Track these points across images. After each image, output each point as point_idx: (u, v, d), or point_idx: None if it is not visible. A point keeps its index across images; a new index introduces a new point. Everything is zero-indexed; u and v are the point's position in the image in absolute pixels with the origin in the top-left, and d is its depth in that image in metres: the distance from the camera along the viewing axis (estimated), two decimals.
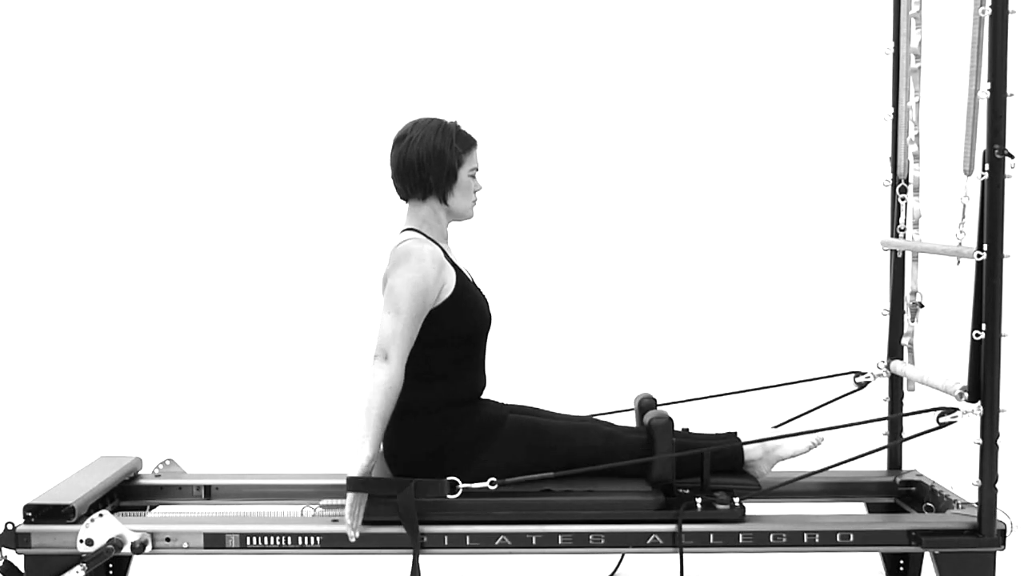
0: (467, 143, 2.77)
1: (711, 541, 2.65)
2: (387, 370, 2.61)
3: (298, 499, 3.07)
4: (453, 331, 2.70)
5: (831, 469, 2.83)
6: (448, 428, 2.69)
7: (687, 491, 2.72)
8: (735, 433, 2.91)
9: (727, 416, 3.54)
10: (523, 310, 5.41)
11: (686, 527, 2.65)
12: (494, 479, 2.64)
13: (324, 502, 2.83)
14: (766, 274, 5.44)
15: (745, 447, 2.87)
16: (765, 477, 2.92)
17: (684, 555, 2.63)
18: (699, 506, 2.66)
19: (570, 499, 2.68)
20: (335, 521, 2.71)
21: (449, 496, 2.62)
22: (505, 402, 2.91)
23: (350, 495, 2.59)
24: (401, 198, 2.81)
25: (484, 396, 2.84)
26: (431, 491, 2.62)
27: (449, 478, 2.63)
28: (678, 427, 2.90)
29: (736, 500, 2.67)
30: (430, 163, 2.72)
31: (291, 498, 3.10)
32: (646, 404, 3.07)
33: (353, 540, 2.62)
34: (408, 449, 2.70)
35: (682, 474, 2.77)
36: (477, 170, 2.80)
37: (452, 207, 2.78)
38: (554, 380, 5.13)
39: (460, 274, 2.75)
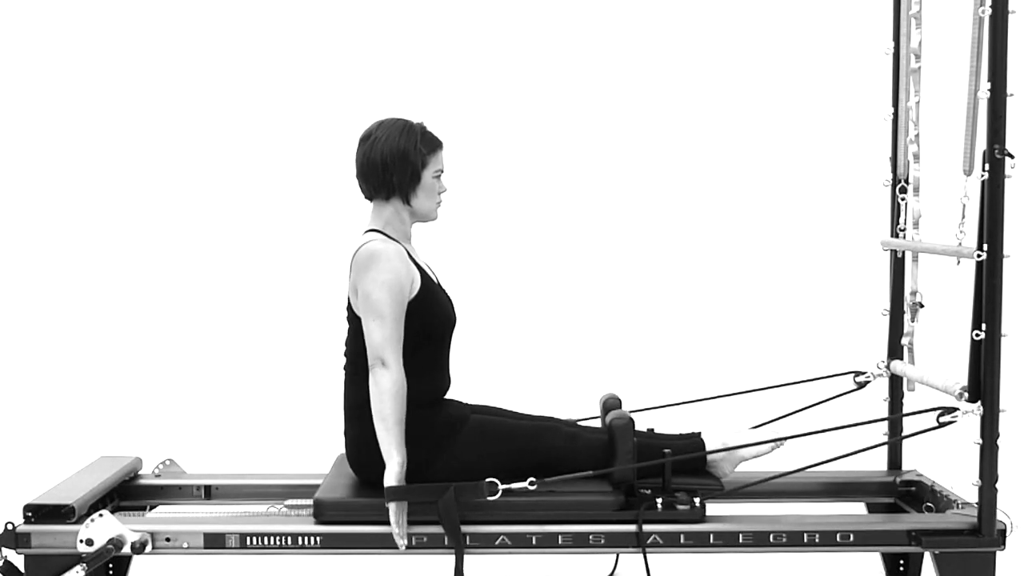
0: (432, 144, 2.78)
1: (711, 541, 2.65)
2: (389, 375, 2.61)
3: (297, 499, 3.06)
4: (417, 331, 2.71)
5: (821, 468, 2.83)
6: (411, 428, 2.69)
7: (648, 491, 2.72)
8: (699, 433, 2.91)
9: (725, 416, 3.54)
10: (518, 310, 5.41)
11: (687, 528, 2.65)
12: (533, 479, 2.64)
13: (289, 502, 2.86)
14: (766, 274, 5.44)
15: (707, 447, 2.87)
16: (728, 477, 2.92)
17: (681, 555, 2.64)
18: (660, 506, 2.66)
19: (531, 499, 2.67)
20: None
21: (489, 498, 2.62)
22: (477, 403, 2.94)
23: (392, 505, 2.59)
24: (366, 198, 2.82)
25: (449, 396, 2.85)
26: (470, 494, 2.62)
27: (487, 480, 2.63)
28: (664, 426, 2.91)
29: (697, 500, 2.67)
30: (394, 164, 2.72)
31: (290, 498, 3.09)
32: (610, 404, 3.08)
33: (403, 548, 2.62)
34: (371, 450, 2.70)
35: (645, 475, 2.77)
36: (442, 172, 2.81)
37: (416, 208, 2.79)
38: (554, 382, 5.13)
39: (424, 274, 2.77)
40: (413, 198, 2.77)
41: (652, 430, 2.95)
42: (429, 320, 2.72)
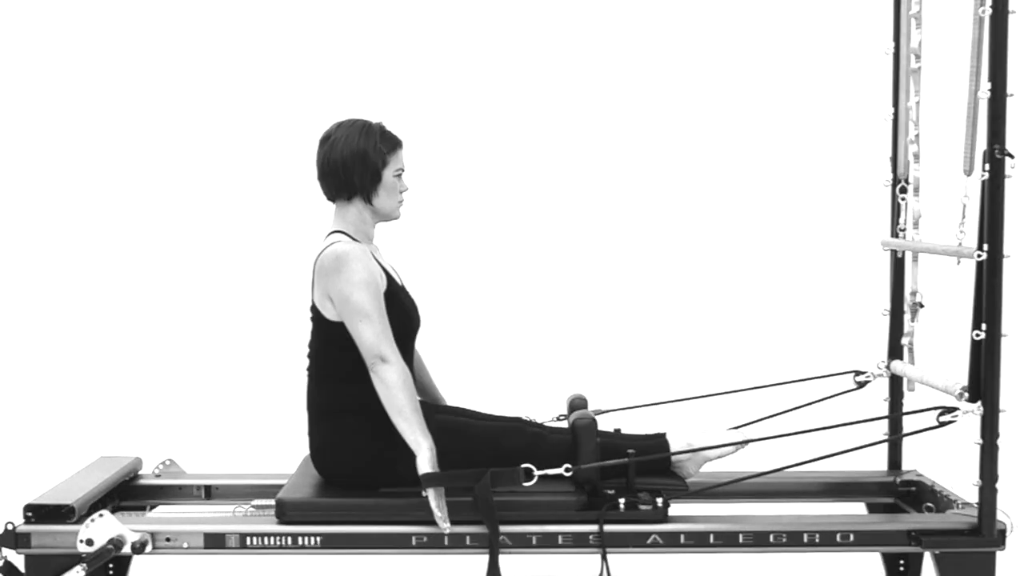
0: (392, 143, 2.82)
1: (711, 541, 2.66)
2: (392, 368, 2.65)
3: (263, 499, 3.06)
4: None
5: (822, 468, 2.83)
6: (374, 429, 2.71)
7: (612, 492, 2.72)
8: (664, 434, 2.91)
9: (724, 416, 3.54)
10: (519, 311, 5.41)
11: (691, 527, 2.66)
12: (569, 466, 2.66)
13: (256, 502, 2.88)
14: (765, 274, 5.44)
15: (672, 447, 2.87)
16: (693, 477, 2.92)
17: (678, 554, 2.65)
18: (622, 507, 2.66)
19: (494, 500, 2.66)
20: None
21: (525, 484, 2.64)
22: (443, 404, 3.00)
23: (430, 491, 2.60)
24: (328, 199, 2.85)
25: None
26: (506, 480, 2.63)
27: (524, 465, 2.65)
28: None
29: (659, 500, 2.67)
30: (354, 164, 2.76)
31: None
32: (576, 404, 3.09)
33: (447, 532, 2.62)
34: (335, 450, 2.75)
35: (609, 475, 2.76)
36: (403, 171, 2.85)
37: (378, 208, 2.82)
38: (551, 384, 5.13)
39: (388, 276, 2.81)
40: (375, 198, 2.80)
41: (619, 430, 2.95)
42: (392, 322, 2.73)
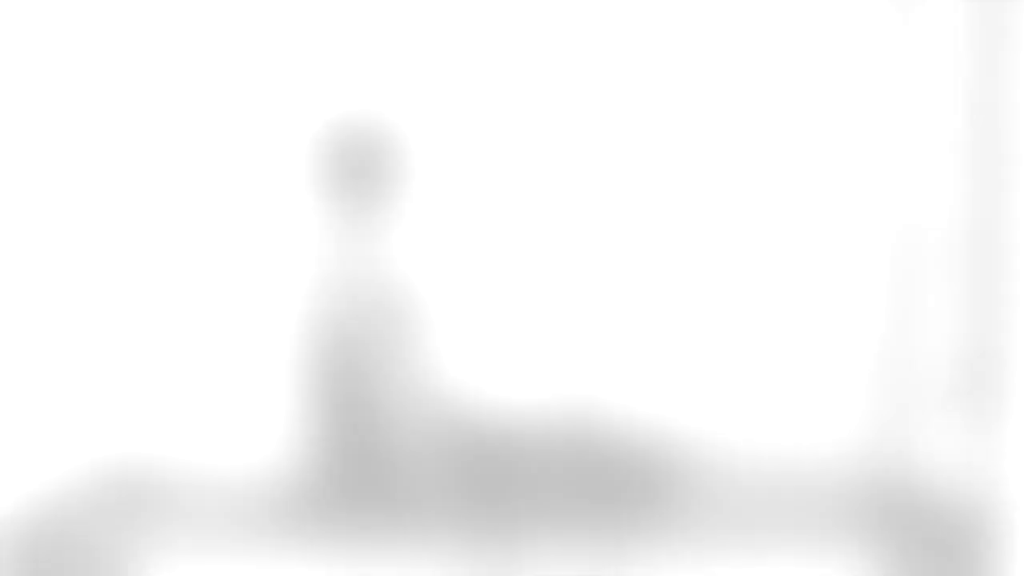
0: (391, 143, 2.83)
1: (708, 541, 2.65)
2: (391, 369, 2.64)
3: None
4: None
5: (807, 467, 2.83)
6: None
7: (611, 491, 2.73)
8: (663, 434, 2.92)
9: (722, 415, 3.54)
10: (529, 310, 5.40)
11: (689, 527, 2.65)
12: (568, 465, 2.69)
13: (256, 502, 2.88)
14: (764, 274, 5.43)
15: (671, 447, 2.88)
16: (691, 476, 2.92)
17: (678, 555, 2.66)
18: (621, 506, 2.67)
19: None
20: None
21: (523, 484, 2.66)
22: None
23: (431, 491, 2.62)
24: (329, 199, 2.87)
25: None
26: (505, 480, 2.64)
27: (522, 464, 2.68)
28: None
29: (658, 500, 2.67)
30: (354, 163, 2.78)
31: None
32: (576, 404, 3.11)
33: (450, 534, 2.63)
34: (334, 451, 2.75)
35: (608, 475, 2.77)
36: (402, 170, 2.85)
37: (378, 207, 2.83)
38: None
39: (387, 276, 2.82)
40: (375, 197, 2.81)
41: (618, 431, 2.96)
42: (394, 322, 2.75)
